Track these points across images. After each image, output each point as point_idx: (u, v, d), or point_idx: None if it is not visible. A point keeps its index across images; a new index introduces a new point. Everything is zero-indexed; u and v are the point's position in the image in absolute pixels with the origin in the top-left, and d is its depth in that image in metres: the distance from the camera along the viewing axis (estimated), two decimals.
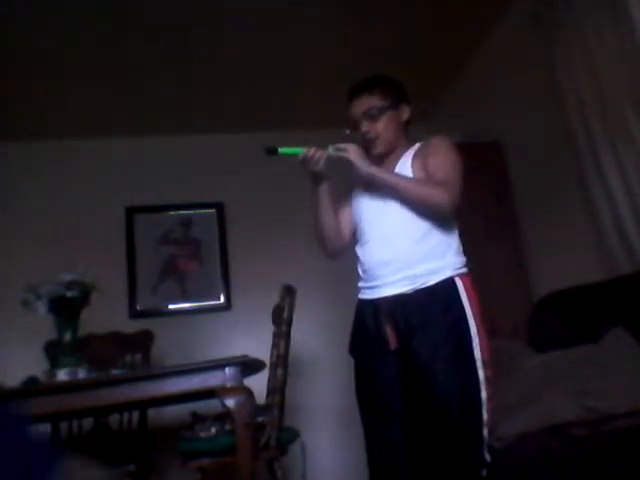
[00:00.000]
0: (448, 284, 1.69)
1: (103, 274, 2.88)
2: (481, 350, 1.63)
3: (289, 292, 2.54)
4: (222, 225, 3.97)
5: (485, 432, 1.59)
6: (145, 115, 3.76)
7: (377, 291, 1.76)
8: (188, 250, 3.94)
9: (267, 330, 2.66)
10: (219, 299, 3.86)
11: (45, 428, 2.85)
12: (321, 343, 3.73)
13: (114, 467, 2.58)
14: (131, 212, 3.90)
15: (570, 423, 1.70)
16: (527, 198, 3.11)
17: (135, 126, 3.88)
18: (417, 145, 1.85)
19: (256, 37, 3.12)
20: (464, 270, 1.75)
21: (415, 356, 1.66)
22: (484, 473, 1.57)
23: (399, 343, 1.69)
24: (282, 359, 2.46)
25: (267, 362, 2.44)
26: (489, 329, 1.69)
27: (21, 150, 3.80)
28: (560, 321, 2.39)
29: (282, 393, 2.44)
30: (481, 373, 1.61)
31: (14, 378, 2.18)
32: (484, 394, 1.60)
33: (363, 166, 1.73)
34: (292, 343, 2.55)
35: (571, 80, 2.55)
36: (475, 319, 1.65)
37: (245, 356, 2.10)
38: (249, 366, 2.17)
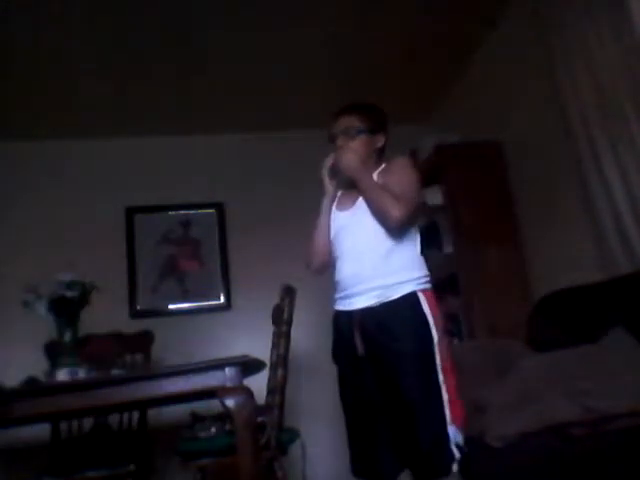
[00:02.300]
0: (412, 297, 1.83)
1: (103, 274, 2.88)
2: (441, 356, 1.78)
3: (289, 292, 2.54)
4: (222, 225, 3.97)
5: (451, 430, 1.71)
6: (145, 115, 3.76)
7: (349, 303, 1.91)
8: (188, 250, 3.93)
9: (267, 330, 2.66)
10: (219, 299, 3.86)
11: (45, 428, 2.86)
12: (321, 343, 3.70)
13: (114, 467, 2.58)
14: (131, 212, 3.89)
15: (570, 423, 1.70)
16: (527, 198, 3.11)
17: (135, 126, 3.88)
18: (383, 165, 2.01)
19: (256, 37, 3.12)
20: (427, 286, 1.89)
21: (382, 363, 1.81)
22: (455, 468, 1.70)
23: (367, 351, 1.84)
24: (282, 359, 2.46)
25: (267, 362, 2.44)
26: (450, 335, 1.80)
27: (21, 150, 3.81)
28: (560, 321, 2.39)
29: (282, 393, 2.44)
30: (441, 377, 1.76)
31: (14, 378, 2.17)
32: (445, 396, 1.74)
33: (349, 169, 1.94)
34: (292, 343, 2.55)
35: (571, 80, 2.55)
36: (437, 328, 1.80)
37: (245, 356, 2.10)
38: (249, 366, 2.16)
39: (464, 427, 1.74)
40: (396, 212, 1.81)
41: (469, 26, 3.23)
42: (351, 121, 2.01)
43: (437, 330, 1.80)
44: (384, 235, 1.88)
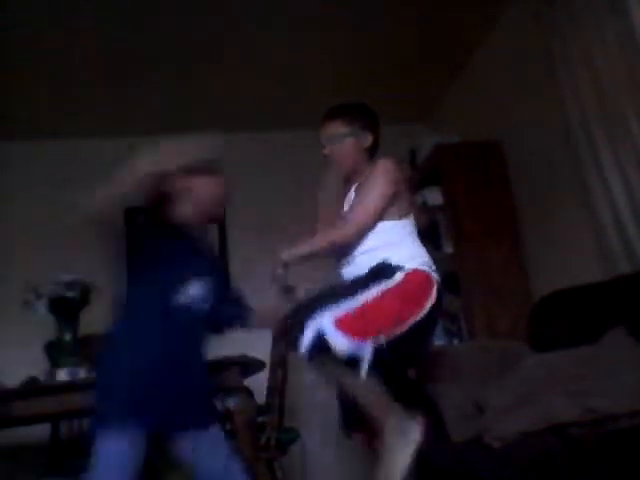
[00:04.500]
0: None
1: (103, 274, 2.88)
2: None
3: (289, 292, 2.54)
4: (222, 226, 3.97)
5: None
6: (145, 115, 3.76)
7: None
8: None
9: (267, 330, 2.66)
10: None
11: (45, 428, 2.85)
12: None
13: None
14: (131, 212, 3.88)
15: (570, 423, 1.69)
16: (527, 198, 3.11)
17: (135, 126, 3.87)
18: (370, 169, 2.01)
19: (256, 37, 3.12)
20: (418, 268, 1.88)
21: None
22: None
23: None
24: (282, 359, 2.46)
25: (267, 362, 2.44)
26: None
27: (21, 150, 3.80)
28: (560, 321, 2.39)
29: (282, 393, 2.44)
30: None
31: (14, 378, 2.18)
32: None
33: (284, 256, 2.02)
34: None
35: (571, 80, 2.55)
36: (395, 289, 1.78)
37: (245, 356, 2.10)
38: (249, 366, 2.17)
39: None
40: (344, 233, 1.87)
41: (469, 26, 3.23)
42: (334, 127, 2.00)
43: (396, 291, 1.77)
44: (370, 235, 1.89)
